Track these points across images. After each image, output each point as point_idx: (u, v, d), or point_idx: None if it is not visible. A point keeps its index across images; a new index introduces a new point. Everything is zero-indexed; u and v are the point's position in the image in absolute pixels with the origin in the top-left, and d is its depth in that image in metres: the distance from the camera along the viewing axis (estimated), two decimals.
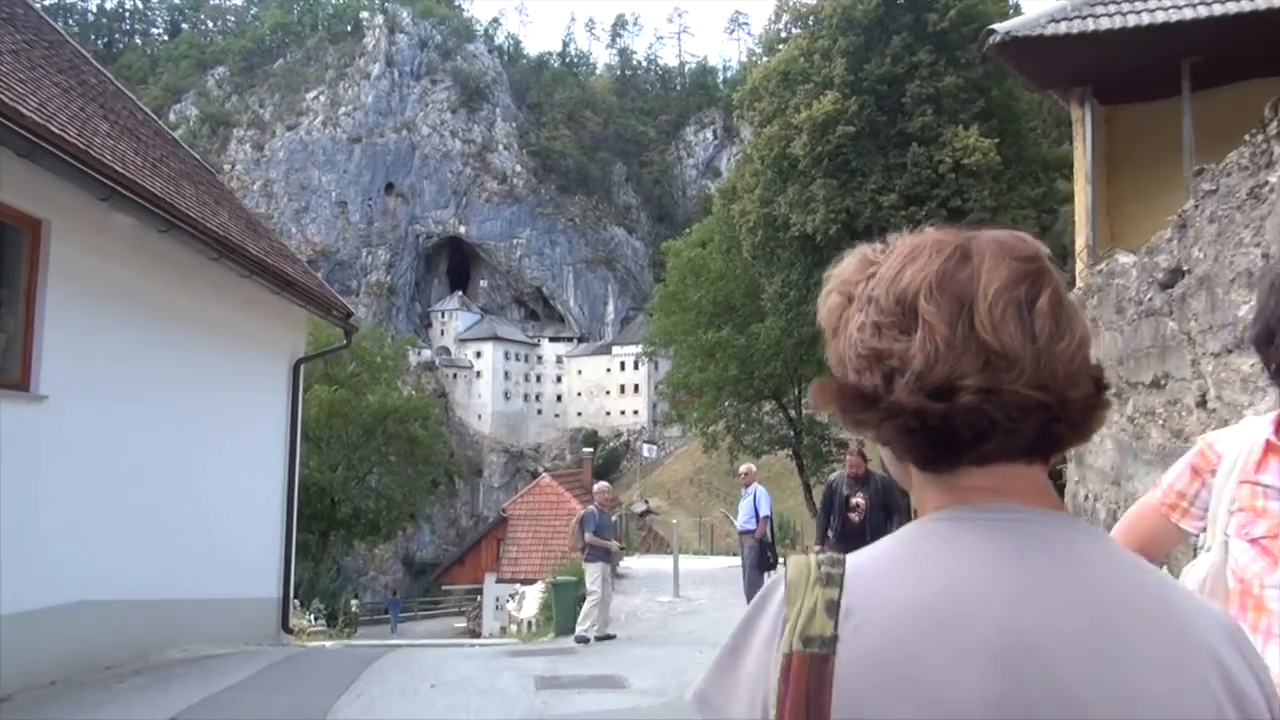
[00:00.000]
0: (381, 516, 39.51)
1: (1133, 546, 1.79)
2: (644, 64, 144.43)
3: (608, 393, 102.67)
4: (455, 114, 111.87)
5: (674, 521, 22.50)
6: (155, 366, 8.88)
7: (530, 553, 31.95)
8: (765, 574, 11.82)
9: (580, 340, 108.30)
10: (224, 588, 10.35)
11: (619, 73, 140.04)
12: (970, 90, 27.75)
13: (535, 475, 49.96)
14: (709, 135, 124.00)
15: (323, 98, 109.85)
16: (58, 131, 6.51)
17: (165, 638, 8.97)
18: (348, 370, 38.84)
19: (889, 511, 8.84)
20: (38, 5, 11.21)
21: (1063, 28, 8.20)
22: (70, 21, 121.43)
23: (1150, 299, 4.43)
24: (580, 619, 10.91)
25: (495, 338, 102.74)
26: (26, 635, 6.85)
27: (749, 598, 10.65)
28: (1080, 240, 9.30)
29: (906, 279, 0.85)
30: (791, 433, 32.62)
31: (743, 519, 12.78)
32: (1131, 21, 8.01)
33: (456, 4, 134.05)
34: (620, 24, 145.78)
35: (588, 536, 10.93)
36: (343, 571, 44.01)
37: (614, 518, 20.29)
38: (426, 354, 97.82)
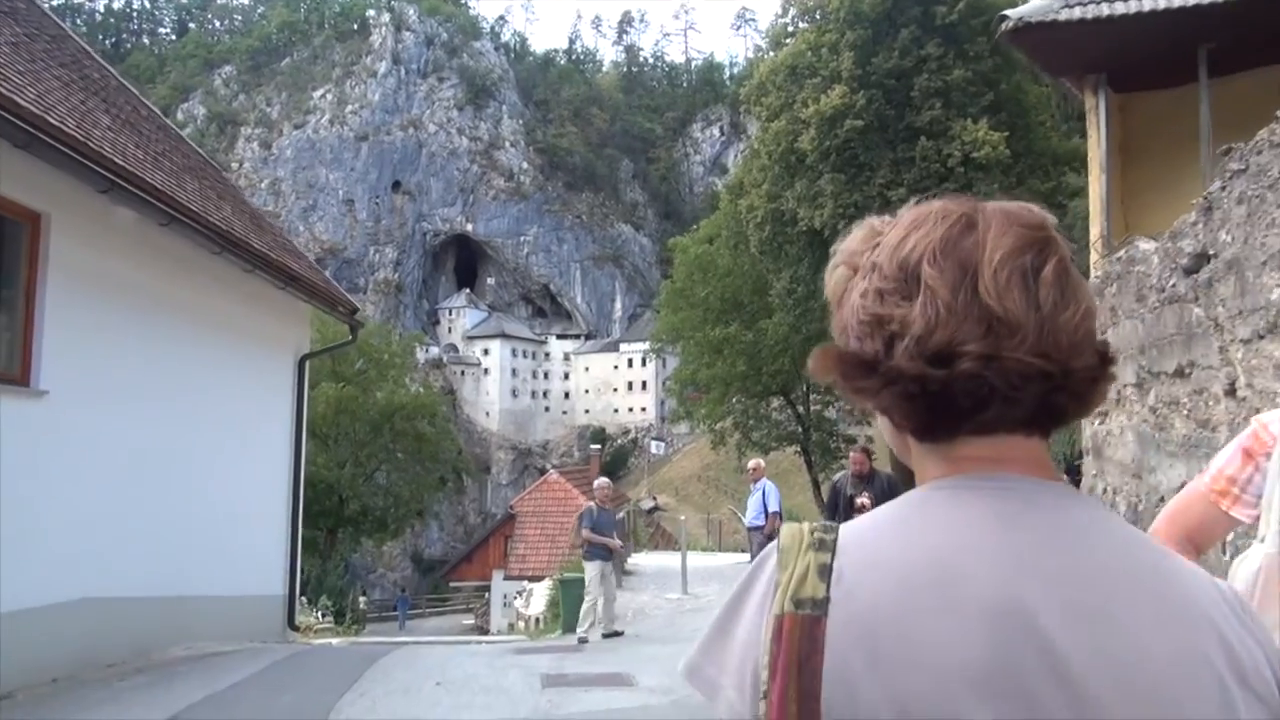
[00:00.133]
0: (389, 514, 39.52)
1: (1178, 536, 1.67)
2: (650, 61, 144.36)
3: (615, 390, 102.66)
4: (462, 111, 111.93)
5: (682, 518, 22.40)
6: (157, 361, 8.79)
7: (538, 549, 31.88)
8: None
9: (588, 337, 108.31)
10: (229, 585, 10.27)
11: (625, 70, 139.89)
12: (979, 83, 27.54)
13: (543, 472, 49.88)
14: (716, 132, 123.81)
15: (330, 96, 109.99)
16: (55, 123, 6.42)
17: (169, 635, 8.90)
18: (355, 367, 38.83)
19: None
20: (46, 6, 11.13)
21: (1076, 13, 8.05)
22: (78, 21, 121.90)
23: (1173, 285, 4.29)
24: (580, 620, 10.82)
25: (503, 335, 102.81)
26: (27, 633, 6.79)
27: None
28: (1095, 230, 9.15)
29: (910, 245, 0.84)
30: (800, 429, 32.46)
31: (751, 515, 12.66)
32: (1147, 6, 7.86)
33: (463, 2, 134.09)
34: (626, 21, 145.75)
35: (584, 533, 10.82)
36: (351, 568, 43.99)
37: (620, 515, 20.20)
38: (434, 351, 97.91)
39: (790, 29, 31.67)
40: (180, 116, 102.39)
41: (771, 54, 32.74)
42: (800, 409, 32.48)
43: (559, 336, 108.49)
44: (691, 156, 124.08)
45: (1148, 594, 0.78)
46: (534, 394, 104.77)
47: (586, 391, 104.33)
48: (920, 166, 26.94)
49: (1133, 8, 7.95)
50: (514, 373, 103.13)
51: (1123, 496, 5.17)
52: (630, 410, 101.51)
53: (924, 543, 0.79)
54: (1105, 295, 5.42)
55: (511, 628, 22.48)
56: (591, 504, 11.27)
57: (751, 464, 13.47)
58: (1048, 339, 0.79)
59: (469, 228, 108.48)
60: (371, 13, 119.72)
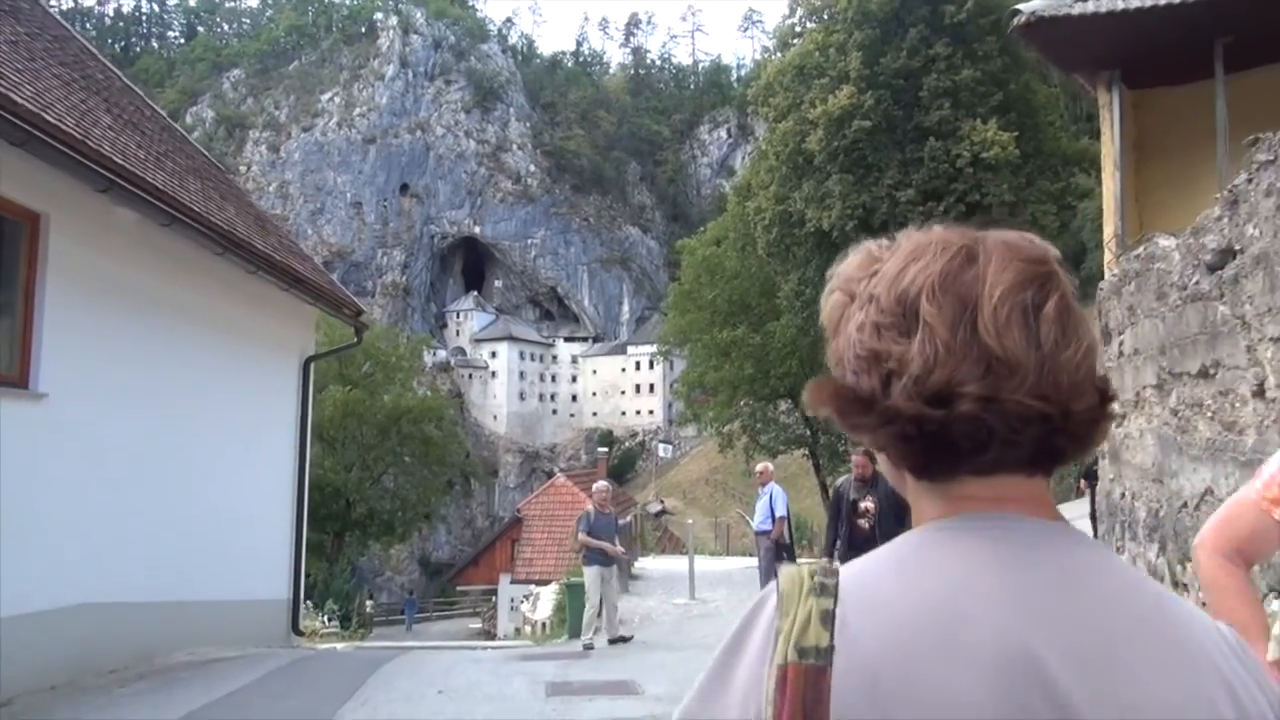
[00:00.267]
0: (396, 517, 39.49)
1: (1227, 548, 1.54)
2: (658, 63, 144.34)
3: (623, 392, 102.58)
4: (469, 114, 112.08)
5: (689, 522, 22.27)
6: (158, 363, 8.70)
7: (545, 553, 31.76)
8: None
9: (595, 340, 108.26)
10: (232, 589, 10.18)
11: (633, 72, 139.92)
12: (988, 83, 27.38)
13: (550, 475, 49.84)
14: (723, 134, 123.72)
15: (337, 99, 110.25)
16: (53, 120, 6.34)
17: (171, 640, 8.81)
18: (362, 371, 38.80)
19: (901, 515, 8.41)
20: (55, 11, 11.09)
21: (1090, 6, 7.91)
22: (87, 25, 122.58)
23: (1196, 282, 4.15)
24: (583, 627, 10.69)
25: (510, 338, 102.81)
26: (27, 638, 6.71)
27: None
28: (1109, 230, 9.00)
29: (909, 278, 0.82)
30: (808, 432, 32.28)
31: (759, 519, 12.52)
32: None
33: (470, 5, 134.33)
34: (634, 23, 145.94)
35: (580, 537, 10.65)
36: (358, 572, 44.02)
37: (626, 519, 20.04)
38: (442, 354, 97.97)
39: (798, 29, 31.56)
40: (189, 120, 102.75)
41: (779, 55, 32.63)
42: (808, 412, 32.27)
43: (566, 339, 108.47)
44: (699, 159, 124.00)
45: (1152, 638, 0.77)
46: (541, 397, 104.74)
47: (594, 394, 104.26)
48: (929, 167, 26.81)
49: (1147, 1, 7.81)
50: (521, 375, 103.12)
51: (1142, 501, 5.03)
52: (638, 413, 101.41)
53: (927, 587, 0.78)
54: (1123, 294, 5.28)
55: (518, 632, 22.36)
56: (590, 507, 11.11)
57: (759, 467, 13.31)
58: (1048, 380, 0.78)
59: (476, 230, 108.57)
60: (379, 16, 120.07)
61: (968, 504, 0.82)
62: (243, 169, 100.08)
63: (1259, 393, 3.41)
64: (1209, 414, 3.91)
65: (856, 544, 8.62)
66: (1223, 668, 0.78)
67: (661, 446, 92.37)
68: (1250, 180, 3.56)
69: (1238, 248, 3.67)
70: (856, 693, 0.73)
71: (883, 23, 27.65)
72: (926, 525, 0.84)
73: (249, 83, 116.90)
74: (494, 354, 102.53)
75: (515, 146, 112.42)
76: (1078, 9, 7.97)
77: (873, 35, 27.54)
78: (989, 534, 0.80)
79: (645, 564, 21.94)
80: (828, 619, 0.77)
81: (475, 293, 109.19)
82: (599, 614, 10.63)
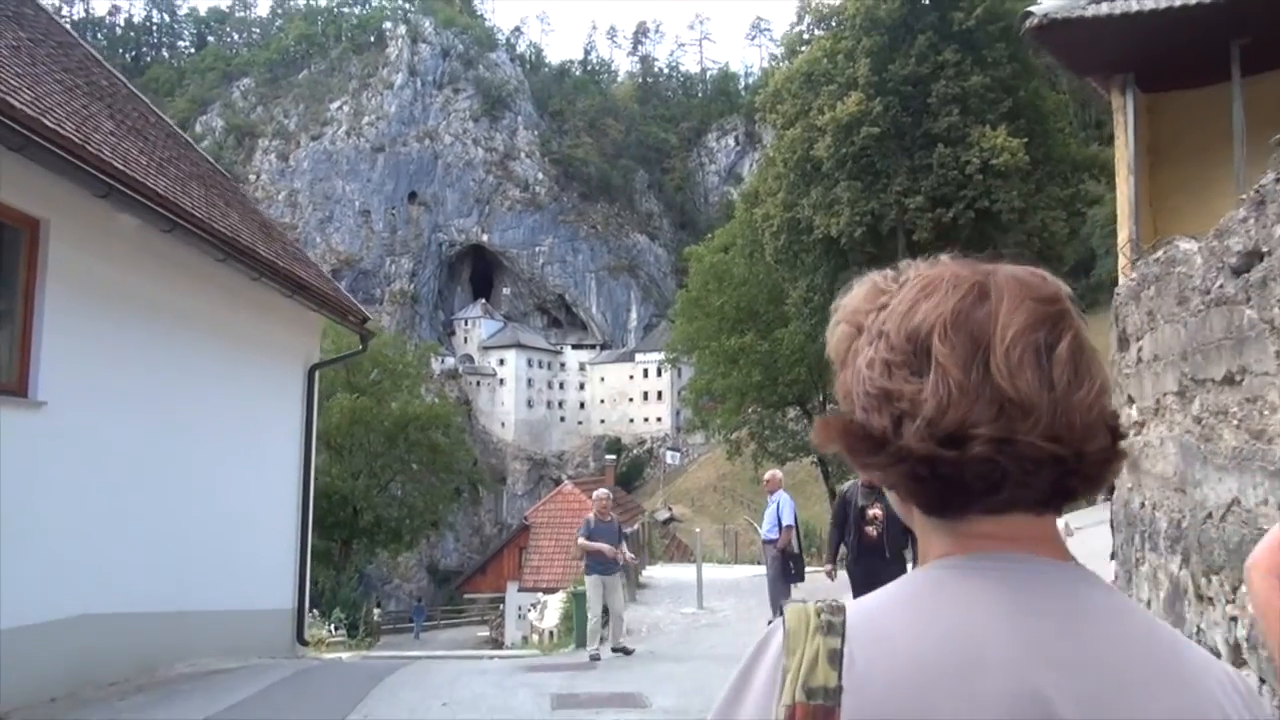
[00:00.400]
0: (404, 524, 39.40)
1: None
2: (665, 71, 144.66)
3: (631, 400, 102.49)
4: (477, 123, 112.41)
5: (697, 530, 22.13)
6: (159, 370, 8.61)
7: (552, 561, 31.59)
8: (789, 585, 11.38)
9: (603, 347, 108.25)
10: (235, 599, 10.07)
11: (640, 80, 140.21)
12: (997, 90, 27.29)
13: (558, 483, 49.68)
14: (731, 142, 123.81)
15: (346, 108, 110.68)
16: (51, 125, 6.26)
17: (173, 651, 8.71)
18: (370, 378, 38.77)
19: (908, 525, 8.24)
20: (67, 22, 11.05)
21: (1104, 9, 7.78)
22: (99, 35, 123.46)
23: (1220, 286, 4.01)
24: (588, 637, 10.56)
25: (518, 345, 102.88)
26: (25, 650, 6.61)
27: (773, 609, 10.24)
28: (1123, 235, 8.86)
29: (920, 315, 0.82)
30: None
31: (766, 528, 12.38)
32: (1178, 0, 7.58)
33: (478, 14, 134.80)
34: (641, 31, 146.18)
35: (580, 542, 10.58)
36: (366, 580, 43.92)
37: (633, 527, 19.89)
38: (450, 362, 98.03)
39: (806, 36, 31.52)
40: (199, 129, 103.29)
41: (786, 62, 32.58)
42: (817, 419, 32.18)
43: (574, 346, 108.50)
44: (706, 166, 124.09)
45: (1163, 683, 0.77)
46: (549, 404, 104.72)
47: (602, 401, 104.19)
48: (938, 174, 26.71)
49: (1162, 3, 7.68)
50: (529, 383, 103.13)
51: (1163, 512, 4.89)
52: (646, 420, 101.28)
53: (938, 628, 0.77)
54: (1142, 298, 5.15)
55: (525, 641, 22.23)
56: (590, 515, 11.00)
57: (767, 475, 13.16)
58: (1061, 421, 0.78)
59: (484, 238, 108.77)
60: (388, 25, 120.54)
61: (978, 543, 0.82)
62: (252, 178, 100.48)
63: None
64: (1235, 422, 3.78)
65: (864, 552, 8.45)
66: (1230, 714, 0.77)
67: (669, 454, 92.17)
68: (1278, 180, 3.43)
69: (1265, 250, 3.54)
70: None
71: (891, 29, 27.58)
72: (935, 563, 0.84)
73: (258, 92, 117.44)
74: (502, 361, 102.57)
75: (523, 155, 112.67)
76: (1091, 11, 7.85)
77: (881, 42, 27.47)
78: (1000, 574, 0.80)
79: (653, 572, 21.80)
80: (835, 658, 0.76)
81: (483, 300, 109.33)
82: (604, 623, 10.51)
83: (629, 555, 11.02)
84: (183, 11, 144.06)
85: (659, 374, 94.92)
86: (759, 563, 21.20)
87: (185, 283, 8.98)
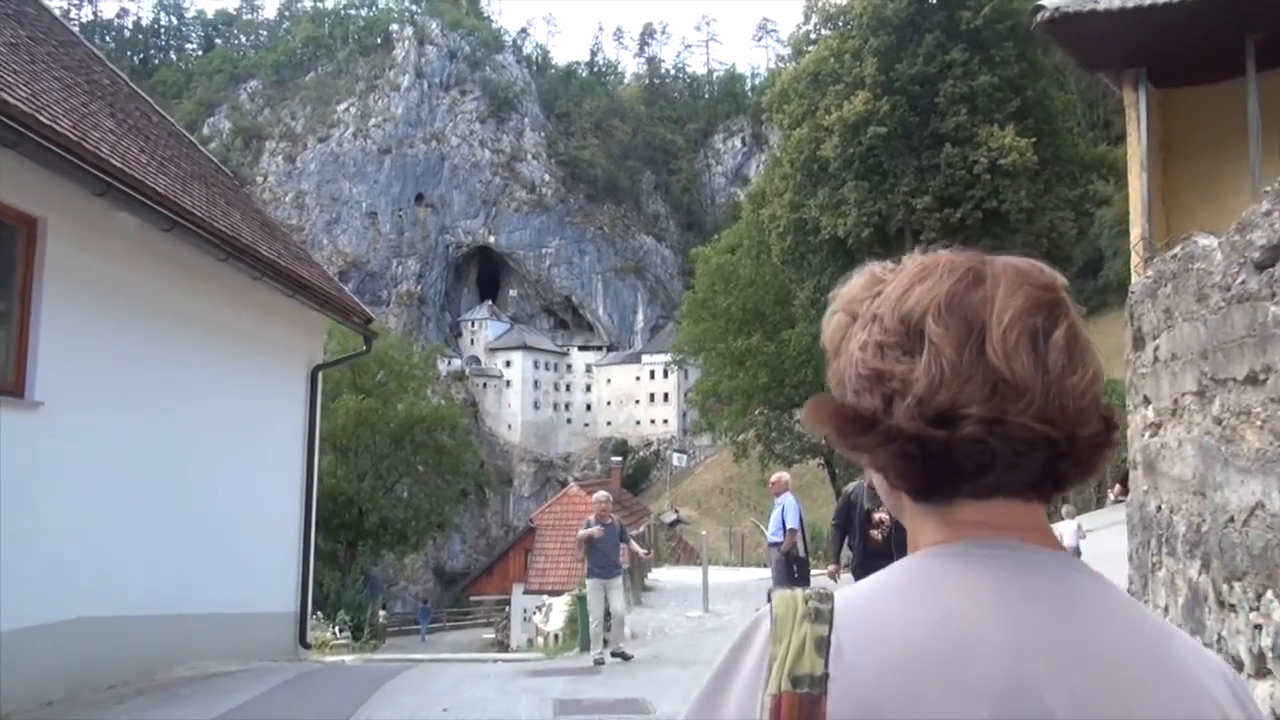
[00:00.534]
0: (410, 526, 39.32)
1: None
2: (672, 72, 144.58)
3: (637, 401, 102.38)
4: (484, 124, 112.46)
5: (703, 532, 21.98)
6: (159, 371, 8.53)
7: (558, 563, 31.49)
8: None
9: (609, 349, 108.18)
10: (237, 601, 9.99)
11: (647, 81, 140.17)
12: (1005, 89, 27.14)
13: (565, 485, 49.58)
14: (737, 143, 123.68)
15: (353, 109, 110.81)
16: (47, 122, 6.18)
17: (173, 654, 8.63)
18: (375, 379, 38.73)
19: None
20: (75, 25, 11.00)
21: (1116, 2, 7.65)
22: (107, 38, 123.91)
23: (1242, 282, 3.88)
24: (591, 641, 10.47)
25: (525, 347, 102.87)
26: (23, 653, 6.54)
27: None
28: (1136, 232, 8.73)
29: (914, 298, 0.82)
30: (823, 441, 32.00)
31: (772, 530, 12.25)
32: None
33: (485, 15, 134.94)
34: (648, 33, 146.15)
35: (581, 532, 10.55)
36: (371, 581, 43.90)
37: (638, 529, 19.77)
38: (456, 363, 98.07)
39: (813, 36, 31.41)
40: (206, 130, 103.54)
41: (793, 63, 32.47)
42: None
43: (581, 348, 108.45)
44: (713, 167, 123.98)
45: (1153, 672, 0.77)
46: (556, 406, 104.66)
47: (608, 403, 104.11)
48: (945, 173, 26.57)
49: None
50: (536, 385, 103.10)
51: (1181, 515, 4.76)
52: (652, 422, 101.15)
53: (926, 616, 0.76)
54: (1159, 296, 5.02)
55: (530, 643, 22.13)
56: (590, 518, 10.91)
57: (773, 478, 13.03)
58: (1054, 404, 0.78)
59: (491, 240, 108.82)
60: (395, 27, 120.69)
61: (967, 529, 0.82)
62: (259, 179, 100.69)
63: None
64: (1259, 423, 3.65)
65: (870, 556, 8.29)
66: (1221, 704, 0.77)
67: (676, 456, 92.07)
68: None
69: None
70: None
71: (898, 29, 27.45)
72: (924, 550, 0.83)
73: (266, 94, 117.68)
74: (508, 363, 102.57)
75: (530, 156, 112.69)
76: (1103, 4, 7.72)
77: (888, 41, 27.34)
78: (989, 562, 0.79)
79: (659, 575, 21.69)
80: (822, 646, 0.75)
81: (490, 302, 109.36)
82: (606, 626, 10.42)
83: (639, 550, 10.90)
84: (190, 14, 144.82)
85: (665, 376, 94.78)
86: (765, 565, 21.08)
87: (185, 282, 8.90)
